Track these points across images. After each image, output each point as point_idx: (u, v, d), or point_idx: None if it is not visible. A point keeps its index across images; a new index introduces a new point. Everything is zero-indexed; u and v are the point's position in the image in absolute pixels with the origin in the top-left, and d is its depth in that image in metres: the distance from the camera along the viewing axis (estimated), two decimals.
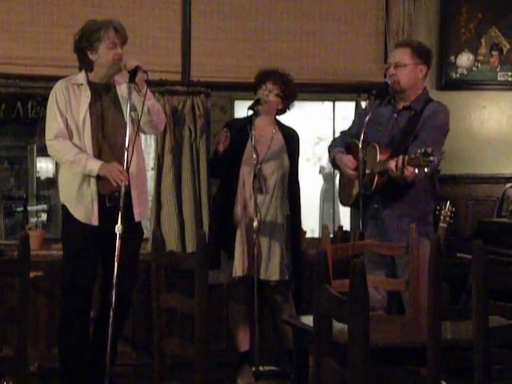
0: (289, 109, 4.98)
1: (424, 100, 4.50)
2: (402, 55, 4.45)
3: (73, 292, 4.28)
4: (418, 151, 3.96)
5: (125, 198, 4.16)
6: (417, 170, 3.99)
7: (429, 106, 4.47)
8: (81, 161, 4.21)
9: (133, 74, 4.14)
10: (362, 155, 4.30)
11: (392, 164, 4.13)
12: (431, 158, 3.91)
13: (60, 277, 4.45)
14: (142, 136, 4.66)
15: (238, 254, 4.72)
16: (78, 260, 4.28)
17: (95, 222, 4.26)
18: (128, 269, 4.23)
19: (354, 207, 4.69)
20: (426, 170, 3.95)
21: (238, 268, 4.71)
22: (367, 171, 4.36)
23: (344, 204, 4.89)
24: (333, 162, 4.68)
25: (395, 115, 4.49)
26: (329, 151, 4.77)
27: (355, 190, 4.50)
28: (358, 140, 4.38)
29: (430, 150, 3.93)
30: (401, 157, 4.09)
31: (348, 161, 4.48)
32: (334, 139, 4.90)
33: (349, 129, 4.80)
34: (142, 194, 4.40)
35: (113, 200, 4.23)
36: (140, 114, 4.21)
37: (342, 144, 4.67)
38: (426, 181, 4.44)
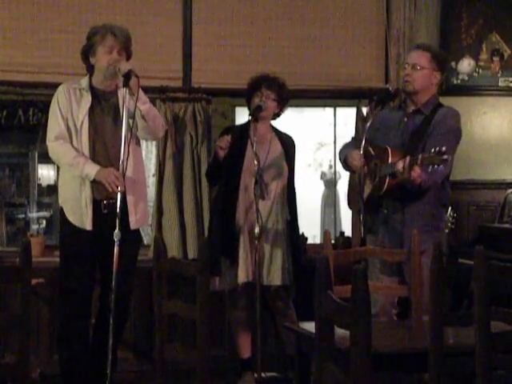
0: (283, 112, 4.98)
1: (434, 105, 4.49)
2: (421, 58, 4.44)
3: (70, 297, 4.28)
4: (432, 150, 3.95)
5: (121, 204, 4.15)
6: (430, 169, 3.98)
7: (440, 111, 4.46)
8: (78, 164, 4.22)
9: (126, 78, 4.15)
10: (363, 161, 4.30)
11: (399, 165, 4.12)
12: (445, 157, 3.91)
13: (58, 282, 4.45)
14: (144, 142, 4.65)
15: (241, 260, 4.72)
16: (74, 264, 4.27)
17: (89, 226, 4.25)
18: (124, 275, 4.21)
19: (364, 211, 4.61)
20: (440, 167, 3.94)
21: (242, 275, 4.70)
22: (378, 174, 4.37)
23: (352, 208, 4.88)
24: (344, 161, 4.65)
25: (405, 119, 4.49)
26: (340, 154, 4.74)
27: (365, 194, 4.48)
28: (370, 144, 4.41)
29: (444, 148, 3.93)
30: (408, 157, 4.08)
31: (356, 154, 4.43)
32: (345, 144, 4.84)
33: (360, 133, 4.80)
34: (139, 201, 4.37)
35: (108, 207, 4.23)
36: (133, 118, 4.21)
37: (353, 147, 4.65)
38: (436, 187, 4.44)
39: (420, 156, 4.01)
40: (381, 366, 2.97)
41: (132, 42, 4.36)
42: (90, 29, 4.36)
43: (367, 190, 4.46)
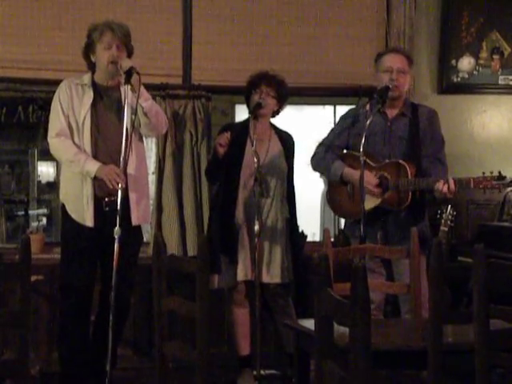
0: (282, 109, 4.98)
1: (408, 104, 4.62)
2: (403, 62, 4.55)
3: (70, 294, 4.28)
4: (485, 174, 4.22)
5: (123, 201, 4.15)
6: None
7: (421, 112, 4.58)
8: (79, 161, 4.22)
9: (128, 75, 4.15)
10: (363, 160, 4.30)
11: (444, 188, 4.23)
12: (508, 180, 4.08)
13: (58, 279, 4.45)
14: (143, 140, 4.65)
15: (241, 258, 4.72)
16: (75, 261, 4.28)
17: (90, 223, 4.26)
18: (125, 273, 4.22)
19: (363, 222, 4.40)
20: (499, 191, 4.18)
21: (242, 273, 4.71)
22: (392, 187, 4.42)
23: (348, 217, 4.80)
24: (341, 177, 4.59)
25: (389, 124, 4.53)
26: (322, 165, 4.71)
27: (369, 204, 4.44)
28: (355, 151, 4.44)
29: (500, 171, 4.09)
30: (451, 179, 4.23)
31: (371, 179, 4.42)
32: (319, 152, 4.75)
33: (333, 139, 4.73)
34: (141, 197, 4.38)
35: (110, 205, 4.22)
36: (135, 115, 4.21)
37: (336, 157, 4.64)
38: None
39: (472, 180, 4.26)
40: (380, 364, 2.97)
41: (132, 38, 4.37)
42: (88, 26, 4.36)
43: (370, 202, 4.44)
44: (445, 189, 4.22)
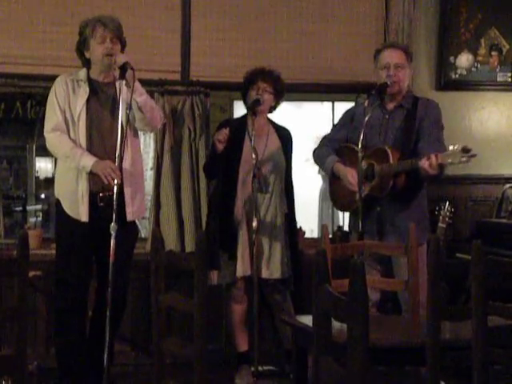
0: (279, 105, 4.98)
1: (410, 98, 4.59)
2: (400, 57, 4.53)
3: (66, 290, 4.27)
4: (452, 147, 4.04)
5: (118, 196, 4.15)
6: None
7: (421, 103, 4.56)
8: (75, 156, 4.22)
9: (122, 70, 4.15)
10: (361, 156, 4.29)
11: (425, 163, 4.13)
12: (473, 153, 4.00)
13: (54, 274, 4.45)
14: (141, 136, 4.65)
15: (240, 254, 4.72)
16: (70, 256, 4.27)
17: (84, 218, 4.25)
18: (121, 268, 4.21)
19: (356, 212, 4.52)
20: (465, 163, 4.07)
21: (241, 269, 4.71)
22: (378, 174, 4.38)
23: (344, 210, 4.84)
24: (331, 171, 4.64)
25: (387, 116, 4.53)
26: (319, 159, 4.74)
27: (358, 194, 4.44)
28: (352, 144, 4.42)
29: (468, 146, 4.01)
30: (433, 155, 4.11)
31: (352, 178, 4.42)
32: (320, 146, 4.80)
33: (334, 133, 4.77)
34: (136, 193, 4.37)
35: (104, 200, 4.22)
36: (129, 110, 4.20)
37: (333, 151, 4.66)
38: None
39: (441, 154, 4.07)
40: (377, 360, 2.97)
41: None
42: (79, 23, 4.36)
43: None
44: (426, 165, 4.15)
